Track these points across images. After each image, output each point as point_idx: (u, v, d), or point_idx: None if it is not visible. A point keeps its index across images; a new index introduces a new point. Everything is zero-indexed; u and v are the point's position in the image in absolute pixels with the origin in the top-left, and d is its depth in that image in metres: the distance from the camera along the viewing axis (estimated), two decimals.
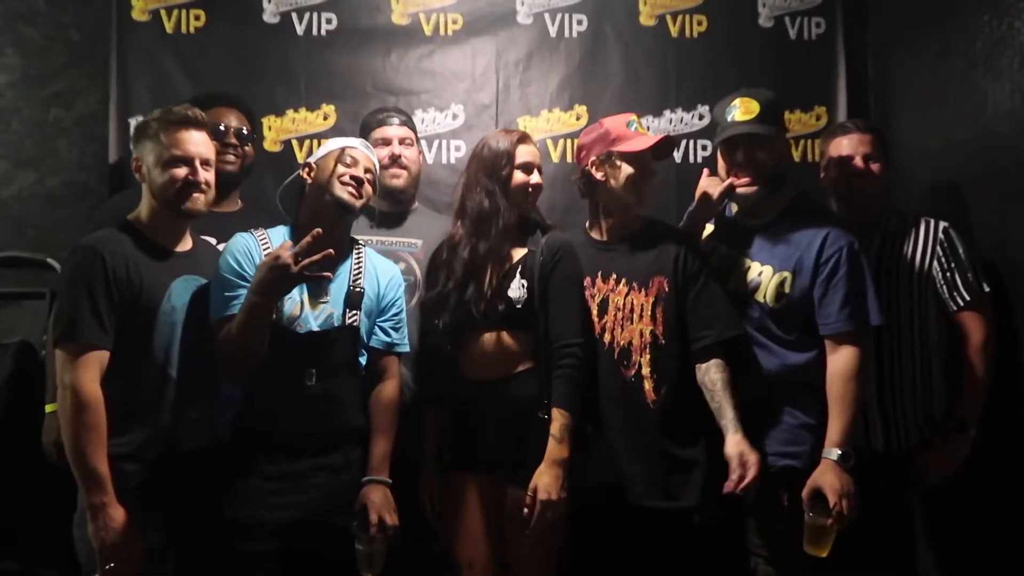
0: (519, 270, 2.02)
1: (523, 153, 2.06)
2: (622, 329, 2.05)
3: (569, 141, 2.85)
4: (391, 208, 2.41)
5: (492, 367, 2.01)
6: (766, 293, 2.02)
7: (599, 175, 2.08)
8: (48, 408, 2.19)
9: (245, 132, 2.35)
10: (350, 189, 1.93)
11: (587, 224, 2.21)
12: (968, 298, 2.16)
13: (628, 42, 2.93)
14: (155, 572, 1.77)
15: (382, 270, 2.07)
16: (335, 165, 1.94)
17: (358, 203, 1.95)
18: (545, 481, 1.86)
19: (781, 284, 2.01)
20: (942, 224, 2.22)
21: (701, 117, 2.92)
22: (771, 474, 1.97)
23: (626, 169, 2.05)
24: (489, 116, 2.88)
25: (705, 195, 2.14)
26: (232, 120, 2.33)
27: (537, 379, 1.98)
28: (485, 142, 2.10)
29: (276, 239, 1.96)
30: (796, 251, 2.00)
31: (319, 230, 1.77)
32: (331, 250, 1.78)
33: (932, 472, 2.15)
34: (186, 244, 1.94)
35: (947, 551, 2.18)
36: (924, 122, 2.66)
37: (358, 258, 2.04)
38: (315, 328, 1.91)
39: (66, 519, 1.82)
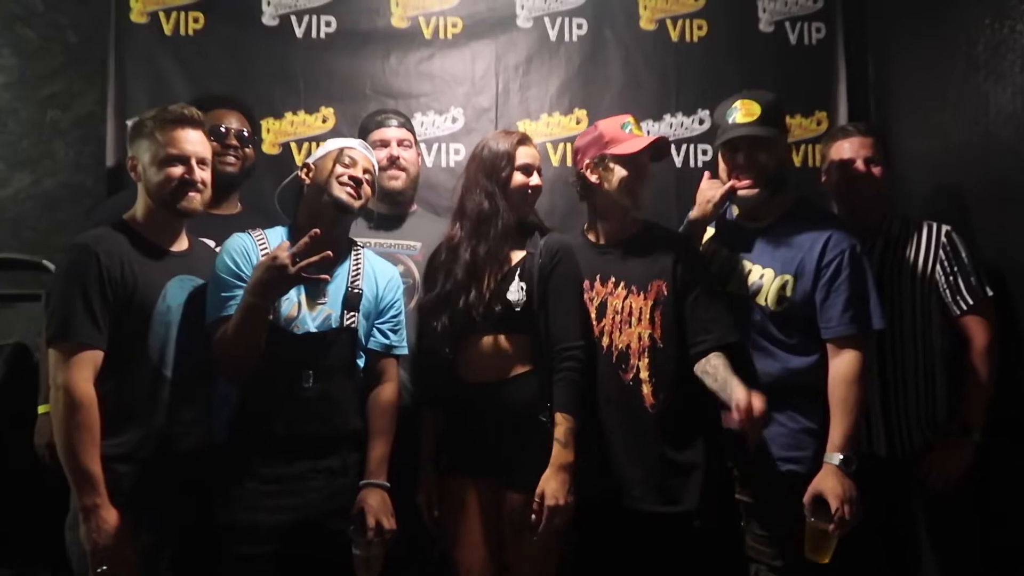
0: (518, 273, 2.01)
1: (523, 155, 2.05)
2: (620, 332, 2.04)
3: (569, 145, 2.84)
4: (390, 210, 2.40)
5: (490, 370, 1.99)
6: (767, 296, 2.01)
7: (593, 178, 2.07)
8: (41, 409, 2.17)
9: (246, 134, 2.34)
10: (348, 189, 1.92)
11: (585, 227, 2.21)
12: (971, 302, 2.15)
13: (628, 46, 2.93)
14: (148, 575, 1.75)
15: (380, 271, 2.05)
16: (333, 165, 1.93)
17: (356, 204, 1.94)
18: (552, 487, 1.85)
19: (782, 287, 1.99)
20: (944, 228, 2.22)
21: (701, 122, 2.91)
22: (773, 479, 1.95)
23: (619, 172, 2.04)
24: (488, 120, 2.88)
25: (706, 198, 2.13)
26: (233, 122, 2.32)
27: (535, 382, 1.96)
28: (485, 143, 2.09)
29: (274, 240, 1.94)
30: (798, 254, 1.99)
31: (317, 231, 1.76)
32: (329, 252, 1.77)
33: (935, 477, 2.14)
34: (182, 244, 1.92)
35: (951, 557, 2.15)
36: (925, 126, 2.65)
37: (356, 259, 2.02)
38: (312, 329, 1.90)
39: (59, 521, 1.80)
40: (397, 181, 2.38)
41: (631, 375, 2.01)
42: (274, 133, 2.81)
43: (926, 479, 2.15)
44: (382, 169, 2.31)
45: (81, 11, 2.80)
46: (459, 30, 2.90)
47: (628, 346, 2.03)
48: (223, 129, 2.27)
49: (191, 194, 1.82)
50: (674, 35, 2.95)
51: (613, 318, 2.05)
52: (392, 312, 2.04)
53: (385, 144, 2.38)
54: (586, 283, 2.07)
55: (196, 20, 2.80)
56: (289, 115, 2.82)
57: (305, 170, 1.99)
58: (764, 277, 2.02)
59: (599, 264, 2.09)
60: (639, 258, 2.07)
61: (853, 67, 2.95)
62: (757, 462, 2.01)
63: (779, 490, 1.96)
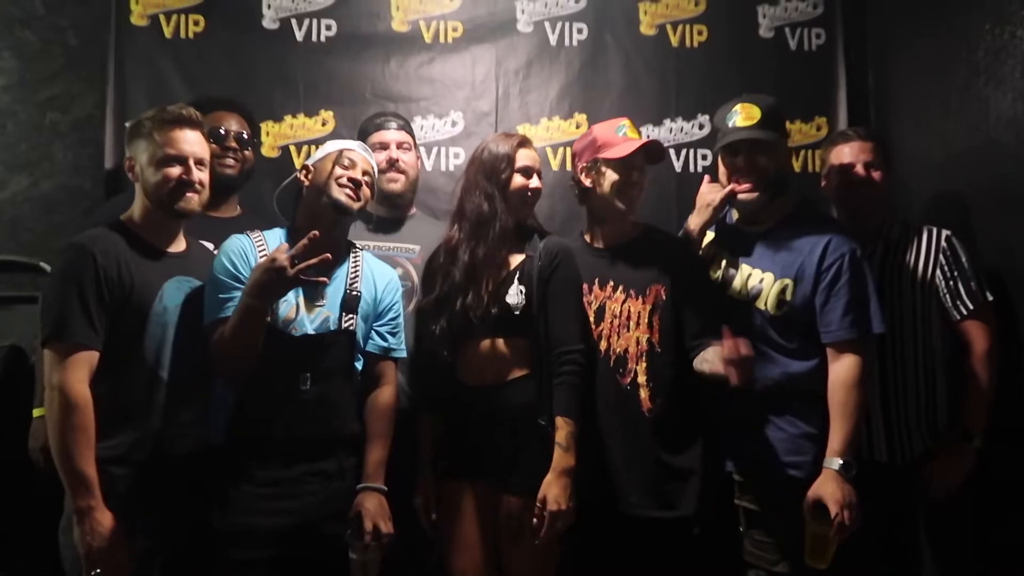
0: (517, 276, 2.00)
1: (523, 157, 2.05)
2: (618, 337, 2.04)
3: (568, 149, 2.83)
4: (389, 213, 2.39)
5: (488, 373, 1.99)
6: (767, 300, 2.00)
7: (587, 182, 2.09)
8: (36, 413, 2.16)
9: (245, 136, 2.34)
10: (348, 191, 1.91)
11: (584, 231, 2.21)
12: (972, 307, 2.14)
13: (628, 51, 2.93)
14: None
15: (379, 274, 2.04)
16: (333, 167, 1.93)
17: (355, 205, 1.93)
18: (555, 492, 1.84)
19: (782, 291, 1.99)
20: (945, 232, 2.21)
21: (701, 127, 2.91)
22: (773, 484, 1.94)
23: (611, 175, 2.04)
24: (488, 124, 2.87)
25: (705, 202, 2.12)
26: (233, 124, 2.32)
27: (532, 386, 1.95)
28: (485, 145, 2.09)
29: (272, 241, 1.94)
30: (798, 258, 1.98)
31: (316, 232, 1.75)
32: (328, 254, 1.76)
33: (936, 483, 2.13)
34: (179, 245, 1.91)
35: (951, 564, 2.14)
36: (926, 131, 2.66)
37: (355, 262, 2.01)
38: (310, 331, 1.89)
39: (53, 524, 1.78)
40: (396, 184, 2.37)
41: (629, 379, 2.01)
42: (273, 136, 2.81)
43: (927, 486, 2.13)
44: (381, 172, 2.31)
45: (81, 14, 2.80)
46: (459, 34, 2.90)
47: (626, 350, 2.02)
48: (222, 131, 2.27)
49: (188, 195, 1.82)
50: (674, 40, 2.95)
51: (611, 322, 2.05)
52: (391, 315, 2.03)
53: (384, 147, 2.38)
54: (584, 287, 2.06)
55: (196, 23, 2.81)
56: (289, 118, 2.82)
57: (304, 172, 1.98)
58: (764, 281, 2.02)
59: (598, 268, 2.09)
60: (637, 262, 2.07)
61: (853, 73, 2.95)
62: (757, 467, 2.00)
63: (779, 495, 1.94)
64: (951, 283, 2.16)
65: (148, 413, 1.77)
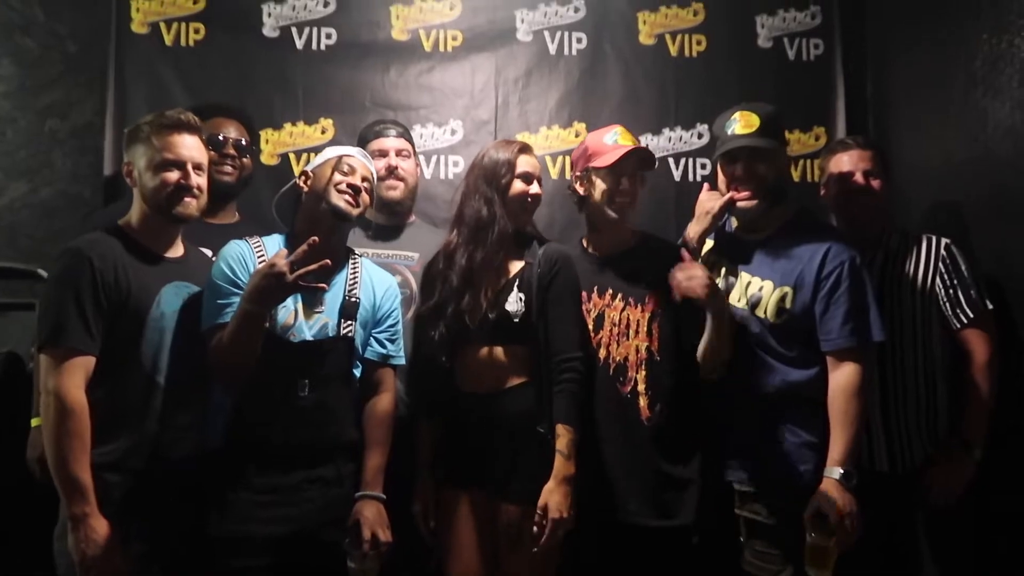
0: (516, 283, 2.00)
1: (524, 163, 2.05)
2: (618, 345, 2.04)
3: (567, 158, 2.84)
4: (388, 221, 2.39)
5: (487, 380, 1.98)
6: (767, 308, 2.00)
7: (581, 190, 2.11)
8: (34, 423, 2.14)
9: (244, 143, 2.34)
10: (347, 197, 1.91)
11: (583, 239, 2.21)
12: (971, 315, 2.14)
13: (627, 60, 2.95)
14: None
15: (378, 280, 2.04)
16: (332, 173, 1.93)
17: (355, 211, 1.93)
18: (556, 499, 1.83)
19: (782, 299, 1.98)
20: (944, 241, 2.21)
21: (700, 136, 2.92)
22: (773, 493, 1.93)
23: (600, 184, 2.06)
24: (488, 132, 2.88)
25: (704, 209, 2.12)
26: (231, 131, 2.32)
27: (531, 393, 1.95)
28: (486, 151, 2.10)
29: (271, 247, 1.93)
30: (797, 266, 1.98)
31: (315, 238, 1.75)
32: (327, 260, 1.76)
33: (937, 493, 2.11)
34: (177, 250, 1.91)
35: (952, 573, 2.13)
36: (924, 141, 2.66)
37: (354, 268, 2.01)
38: (309, 338, 1.88)
39: (48, 532, 1.76)
40: (395, 191, 2.37)
41: (628, 388, 2.01)
42: (273, 144, 2.81)
43: (927, 495, 2.12)
44: (380, 179, 2.31)
45: (81, 21, 2.81)
46: (459, 43, 2.91)
47: (626, 358, 2.02)
48: (221, 138, 2.27)
49: (186, 199, 1.81)
50: (673, 50, 2.96)
51: (611, 330, 2.05)
52: (389, 321, 2.03)
53: (384, 154, 2.38)
54: (583, 295, 2.06)
55: (197, 31, 2.81)
56: (288, 126, 2.82)
57: (303, 178, 1.98)
58: (763, 289, 2.01)
59: (596, 275, 2.10)
60: (636, 270, 2.07)
61: (851, 82, 2.96)
62: (757, 476, 1.99)
63: (779, 505, 1.93)
64: (951, 291, 2.16)
65: (144, 419, 1.76)
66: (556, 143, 2.90)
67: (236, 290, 1.81)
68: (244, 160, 2.34)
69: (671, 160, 2.92)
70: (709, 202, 2.12)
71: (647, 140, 2.89)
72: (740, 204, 2.05)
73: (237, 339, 1.75)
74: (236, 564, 1.76)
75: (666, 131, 2.93)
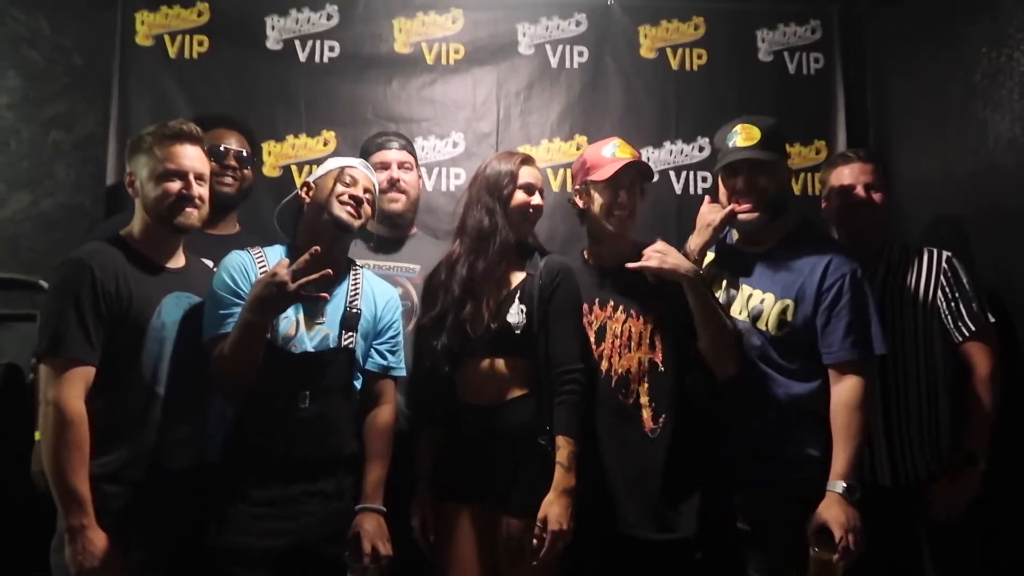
0: (518, 295, 2.00)
1: (526, 174, 2.06)
2: (620, 357, 2.03)
3: (569, 171, 2.84)
4: (389, 233, 2.39)
5: (488, 392, 1.98)
6: (768, 321, 1.99)
7: (581, 204, 2.11)
8: (37, 436, 2.12)
9: (245, 155, 2.35)
10: (349, 208, 1.92)
11: (584, 251, 2.21)
12: (973, 328, 2.14)
13: (629, 74, 2.96)
14: None
15: (379, 292, 2.04)
16: (334, 184, 1.93)
17: (356, 223, 1.93)
18: (556, 511, 1.82)
19: (783, 312, 1.98)
20: (945, 254, 2.21)
21: (701, 149, 2.93)
22: (776, 508, 1.92)
23: (599, 198, 2.06)
24: (489, 145, 2.89)
25: (705, 222, 2.12)
26: (232, 142, 2.33)
27: (532, 405, 1.94)
28: (488, 162, 2.11)
29: (272, 258, 1.93)
30: (798, 278, 1.98)
31: (317, 248, 1.75)
32: (329, 270, 1.76)
33: (940, 507, 2.10)
34: (179, 261, 1.91)
35: None
36: (924, 154, 2.67)
37: (355, 279, 2.01)
38: (310, 349, 1.87)
39: (45, 544, 1.75)
40: (397, 204, 2.37)
41: (631, 400, 2.00)
42: (275, 156, 2.82)
43: (931, 509, 2.11)
44: (382, 191, 2.31)
45: (85, 33, 2.83)
46: (461, 56, 2.93)
47: (628, 370, 2.02)
48: (222, 149, 2.28)
49: (188, 209, 1.81)
50: (674, 63, 2.97)
51: (613, 342, 2.04)
52: (390, 333, 2.02)
53: (386, 166, 2.38)
54: (584, 307, 2.05)
55: (201, 43, 2.83)
56: (291, 138, 2.83)
57: (305, 189, 1.98)
58: (765, 302, 2.01)
59: (598, 288, 2.09)
60: (637, 282, 2.06)
61: (852, 96, 2.98)
62: (759, 490, 1.98)
63: (782, 519, 1.92)
64: (952, 304, 2.16)
65: (143, 429, 1.75)
66: (557, 156, 2.91)
67: (238, 300, 1.81)
68: (245, 171, 2.35)
69: (672, 173, 2.92)
70: (710, 215, 2.12)
71: (648, 153, 2.90)
72: (741, 216, 2.05)
73: (238, 349, 1.74)
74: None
75: (667, 144, 2.94)
